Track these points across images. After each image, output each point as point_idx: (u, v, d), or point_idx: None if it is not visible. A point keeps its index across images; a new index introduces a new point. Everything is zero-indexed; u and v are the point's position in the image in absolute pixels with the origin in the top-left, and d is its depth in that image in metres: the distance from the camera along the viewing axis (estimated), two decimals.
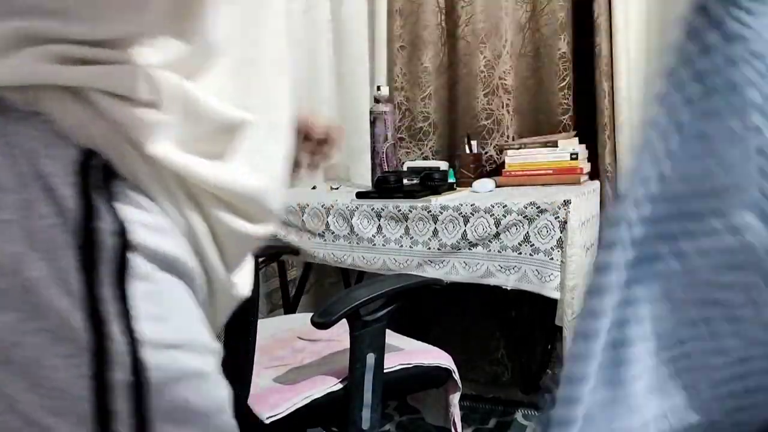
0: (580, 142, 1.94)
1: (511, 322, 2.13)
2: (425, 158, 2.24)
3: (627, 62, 1.89)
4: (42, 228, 0.43)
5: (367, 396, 1.15)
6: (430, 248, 1.65)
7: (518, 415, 2.04)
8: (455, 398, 1.37)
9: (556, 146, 1.86)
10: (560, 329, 1.52)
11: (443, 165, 2.01)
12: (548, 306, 1.54)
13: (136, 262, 0.45)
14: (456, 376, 1.34)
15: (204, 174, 0.49)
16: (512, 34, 2.10)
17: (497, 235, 1.56)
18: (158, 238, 0.47)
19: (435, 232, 1.64)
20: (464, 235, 1.60)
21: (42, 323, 0.43)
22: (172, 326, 0.47)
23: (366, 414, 1.15)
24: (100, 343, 0.43)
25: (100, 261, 0.44)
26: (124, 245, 0.45)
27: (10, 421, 0.43)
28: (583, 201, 1.64)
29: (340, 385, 1.17)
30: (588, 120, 2.00)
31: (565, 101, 2.04)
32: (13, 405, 0.43)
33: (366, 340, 1.14)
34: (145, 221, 0.47)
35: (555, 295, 1.49)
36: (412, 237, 1.68)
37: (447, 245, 1.62)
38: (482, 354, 2.22)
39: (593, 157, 1.96)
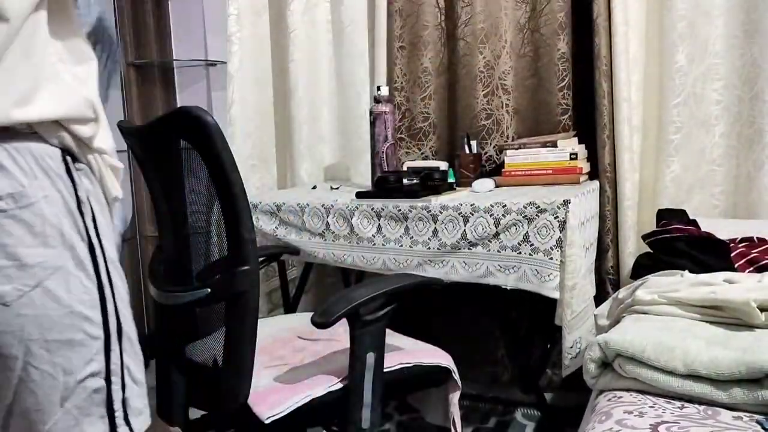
0: (580, 142, 1.94)
1: (510, 322, 2.13)
2: (425, 158, 2.24)
3: (626, 62, 1.89)
4: (63, 198, 0.82)
5: (367, 395, 1.15)
6: (429, 248, 1.66)
7: (518, 415, 2.05)
8: (455, 397, 1.37)
9: (556, 146, 1.87)
10: (560, 329, 1.52)
11: (443, 165, 2.01)
12: (547, 306, 1.55)
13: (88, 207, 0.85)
14: (456, 375, 1.34)
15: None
16: (512, 34, 2.10)
17: (497, 234, 1.57)
18: (92, 190, 0.88)
19: (435, 232, 1.65)
20: (464, 235, 1.60)
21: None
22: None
23: (366, 413, 1.15)
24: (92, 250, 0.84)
25: (84, 209, 0.84)
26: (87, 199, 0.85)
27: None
28: (583, 201, 1.64)
29: (340, 385, 1.17)
30: (587, 120, 2.00)
31: (565, 101, 2.04)
32: None
33: (366, 340, 1.14)
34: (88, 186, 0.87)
35: (554, 294, 1.50)
36: (412, 237, 1.68)
37: (447, 245, 1.63)
38: (482, 354, 2.23)
39: (592, 157, 1.97)
